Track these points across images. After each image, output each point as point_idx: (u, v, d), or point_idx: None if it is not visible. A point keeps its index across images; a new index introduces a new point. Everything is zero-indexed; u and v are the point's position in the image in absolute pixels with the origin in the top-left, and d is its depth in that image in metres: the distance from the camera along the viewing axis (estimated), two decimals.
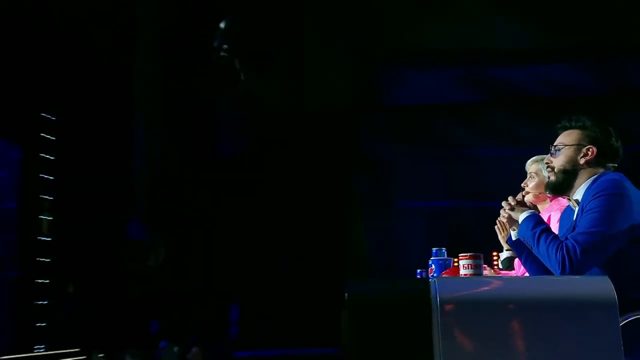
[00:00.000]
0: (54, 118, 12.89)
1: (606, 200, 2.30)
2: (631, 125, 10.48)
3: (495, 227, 3.04)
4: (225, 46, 11.68)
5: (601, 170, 2.54)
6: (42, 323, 12.48)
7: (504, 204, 2.67)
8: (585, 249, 2.22)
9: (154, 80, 12.66)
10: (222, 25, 11.71)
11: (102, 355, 10.37)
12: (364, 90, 12.73)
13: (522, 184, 3.35)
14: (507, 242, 2.91)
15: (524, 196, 2.99)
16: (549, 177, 2.70)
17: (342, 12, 12.62)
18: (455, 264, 2.60)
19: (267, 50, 12.89)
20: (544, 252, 2.37)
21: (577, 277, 2.24)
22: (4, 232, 12.34)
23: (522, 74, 11.85)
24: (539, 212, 2.95)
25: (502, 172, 10.05)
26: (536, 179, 3.24)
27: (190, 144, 12.86)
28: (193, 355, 10.54)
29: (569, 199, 2.68)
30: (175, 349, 10.31)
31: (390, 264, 10.94)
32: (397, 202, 12.04)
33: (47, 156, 12.84)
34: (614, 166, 2.59)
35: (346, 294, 2.06)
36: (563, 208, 3.04)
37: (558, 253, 2.28)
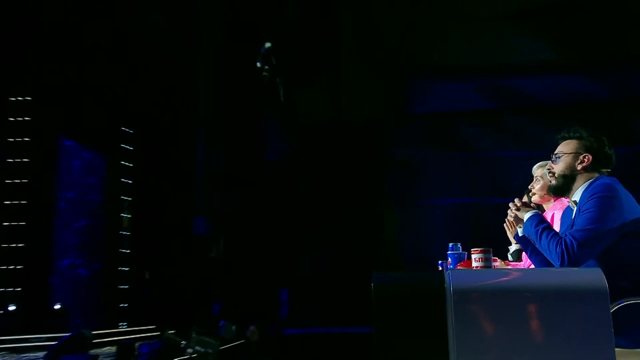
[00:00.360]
0: (132, 131, 14.27)
1: (599, 201, 2.35)
2: (634, 128, 10.85)
3: (504, 224, 3.00)
4: (267, 67, 11.89)
5: (596, 175, 2.54)
6: (124, 304, 13.89)
7: (510, 205, 2.70)
8: (581, 243, 2.27)
9: (214, 99, 13.37)
10: (263, 49, 11.97)
11: (172, 331, 10.16)
12: (394, 101, 12.92)
13: (529, 186, 3.28)
14: (514, 237, 2.93)
15: (529, 198, 3.06)
16: (550, 181, 2.70)
17: (374, 32, 12.97)
18: (470, 257, 2.62)
19: (306, 68, 13.39)
20: (546, 247, 2.42)
21: (573, 269, 2.29)
22: (95, 222, 13.98)
23: (534, 84, 11.83)
24: (544, 211, 3.18)
25: (517, 172, 10.53)
26: (541, 182, 3.18)
27: (244, 152, 13.35)
28: (251, 333, 10.70)
29: (569, 200, 2.69)
30: (233, 327, 10.42)
31: (417, 253, 10.92)
32: (423, 200, 12.15)
33: (127, 163, 14.23)
34: (607, 171, 2.57)
35: (372, 285, 2.15)
36: (565, 207, 2.97)
37: (558, 247, 2.33)
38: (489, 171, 11.81)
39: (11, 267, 12.97)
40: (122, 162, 14.07)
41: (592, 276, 1.94)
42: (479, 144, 12.10)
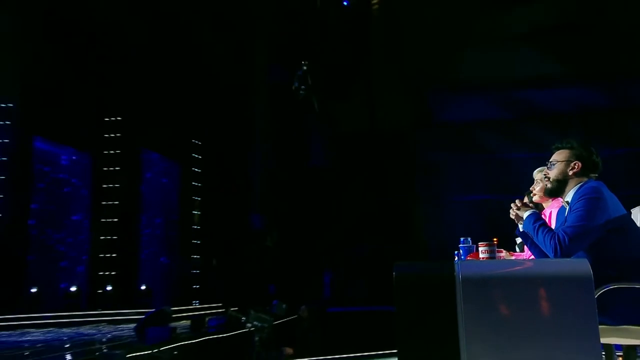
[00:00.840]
0: (200, 143, 15.13)
1: (587, 202, 2.42)
2: (630, 131, 10.97)
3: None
4: (303, 87, 12.45)
5: (585, 179, 2.60)
6: (196, 286, 14.82)
7: (512, 205, 2.75)
8: (571, 238, 2.36)
9: (266, 115, 13.94)
10: (299, 72, 12.58)
11: (234, 309, 10.65)
12: (421, 111, 13.21)
13: (530, 188, 3.28)
14: (516, 232, 2.94)
15: (530, 198, 3.04)
16: (547, 185, 2.76)
17: (402, 52, 13.32)
18: (478, 250, 2.64)
19: (344, 85, 13.87)
20: (542, 241, 2.50)
21: (564, 259, 2.38)
22: (171, 218, 14.96)
23: (542, 95, 12.00)
24: (543, 209, 3.24)
25: (528, 172, 11.07)
26: (540, 184, 3.16)
27: (292, 159, 13.84)
28: (302, 311, 10.95)
29: (562, 200, 2.76)
30: (284, 306, 10.54)
31: (440, 243, 11.04)
32: (447, 197, 12.51)
33: (196, 169, 15.16)
34: (595, 176, 2.64)
35: (394, 273, 2.21)
36: (560, 206, 3.05)
37: (551, 241, 2.42)
38: (503, 171, 11.85)
39: (107, 255, 13.76)
40: (193, 169, 14.78)
41: (580, 266, 2.03)
42: (494, 148, 12.25)
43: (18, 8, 12.68)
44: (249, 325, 8.02)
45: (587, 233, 2.36)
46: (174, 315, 9.91)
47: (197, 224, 14.89)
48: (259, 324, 7.84)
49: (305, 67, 12.72)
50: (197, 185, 14.86)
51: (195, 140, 14.70)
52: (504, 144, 12.16)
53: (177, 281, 14.87)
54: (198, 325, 9.22)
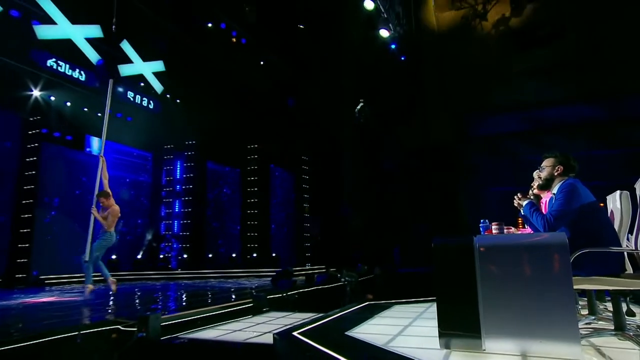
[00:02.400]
0: (307, 159, 15.86)
1: (565, 193, 2.49)
2: (621, 136, 10.96)
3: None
4: (362, 115, 13.13)
5: (565, 177, 2.66)
6: (308, 254, 15.44)
7: (515, 197, 2.83)
8: (555, 218, 2.43)
9: (352, 137, 14.56)
10: (359, 106, 13.21)
11: (333, 269, 11.04)
12: (461, 128, 13.36)
13: (531, 184, 3.16)
14: (519, 215, 2.96)
15: (532, 191, 2.98)
16: (539, 182, 2.84)
17: (445, 86, 13.53)
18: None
19: (406, 112, 14.16)
20: (535, 221, 2.56)
21: (549, 232, 2.40)
22: (290, 210, 15.51)
23: (554, 112, 11.95)
24: (541, 198, 3.06)
25: None
26: (537, 182, 3.03)
27: (370, 167, 14.44)
28: (377, 271, 11.42)
29: (551, 192, 2.76)
30: (365, 267, 11.09)
31: (477, 223, 11.02)
32: (483, 190, 12.56)
33: (305, 177, 15.88)
34: (573, 175, 2.68)
35: (432, 244, 2.40)
36: (549, 196, 3.00)
37: (542, 221, 2.48)
38: (523, 169, 11.83)
39: (251, 234, 14.37)
40: (303, 177, 15.48)
41: (559, 236, 2.12)
42: (516, 153, 12.17)
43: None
44: (342, 279, 8.80)
45: (566, 214, 2.48)
46: (294, 273, 9.97)
47: (307, 213, 15.44)
48: (350, 279, 8.67)
49: (362, 103, 13.18)
50: (305, 188, 15.43)
51: (304, 157, 15.36)
52: (523, 149, 12.01)
53: (295, 251, 15.28)
54: (310, 280, 9.11)
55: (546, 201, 3.15)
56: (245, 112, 14.02)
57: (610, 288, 2.36)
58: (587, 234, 2.44)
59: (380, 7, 10.80)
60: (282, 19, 12.80)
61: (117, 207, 6.47)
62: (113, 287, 6.30)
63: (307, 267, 13.91)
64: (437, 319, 2.36)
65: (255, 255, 14.08)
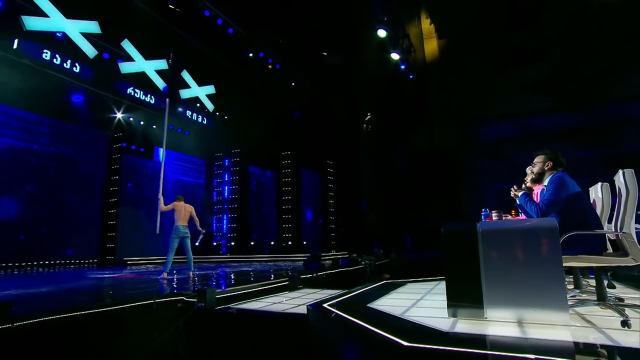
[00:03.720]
0: (331, 162, 15.70)
1: (555, 185, 2.42)
2: (602, 141, 10.50)
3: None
4: (368, 126, 13.23)
5: (555, 171, 2.56)
6: (333, 242, 15.19)
7: (512, 189, 2.74)
8: (547, 205, 2.36)
9: (368, 144, 14.16)
10: (366, 118, 13.25)
11: (355, 255, 10.49)
12: (463, 135, 13.11)
13: (525, 178, 3.07)
14: (515, 205, 2.86)
15: (525, 184, 2.90)
16: (532, 176, 2.77)
17: (449, 99, 13.20)
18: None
19: (416, 121, 13.94)
20: (529, 209, 2.48)
21: (542, 218, 2.34)
22: (317, 206, 15.31)
23: (544, 120, 11.66)
24: (533, 190, 2.92)
25: None
26: (530, 176, 2.94)
27: (384, 168, 14.16)
28: (392, 255, 11.15)
29: (543, 185, 2.66)
30: (382, 252, 11.15)
31: (479, 215, 10.59)
32: (483, 186, 12.26)
33: (330, 177, 15.70)
34: (561, 169, 2.58)
35: (441, 230, 2.40)
36: (540, 187, 2.88)
37: (535, 208, 2.41)
38: (518, 168, 11.59)
39: (286, 225, 14.32)
40: (328, 177, 15.39)
41: (550, 221, 2.09)
42: (511, 154, 11.62)
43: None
44: (362, 262, 8.59)
45: (555, 203, 2.40)
46: (322, 257, 9.73)
47: (332, 208, 15.32)
48: (368, 262, 8.53)
49: (369, 116, 13.28)
50: (330, 187, 15.34)
51: (329, 161, 15.27)
52: (516, 152, 11.21)
53: (322, 239, 15.10)
54: (335, 263, 8.58)
55: (537, 192, 3.04)
56: (280, 125, 14.09)
57: (594, 265, 2.33)
58: (574, 219, 2.37)
59: (391, 34, 10.71)
60: (309, 48, 12.81)
61: (181, 206, 6.48)
62: (162, 275, 6.30)
63: (333, 253, 13.80)
64: (446, 293, 2.34)
65: (290, 243, 14.05)
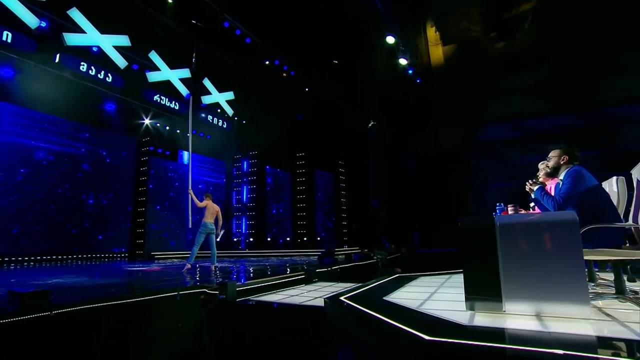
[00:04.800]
0: (343, 163, 15.52)
1: (572, 178, 2.28)
2: (595, 141, 10.23)
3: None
4: (373, 133, 13.25)
5: (571, 165, 2.43)
6: (345, 238, 14.96)
7: (527, 183, 2.62)
8: (564, 199, 2.23)
9: (377, 146, 14.15)
10: (370, 125, 13.31)
11: (366, 250, 10.94)
12: (468, 136, 12.92)
13: (537, 173, 3.08)
14: (529, 199, 2.78)
15: (538, 179, 2.85)
16: (547, 170, 2.67)
17: (453, 102, 13.03)
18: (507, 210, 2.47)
19: (421, 124, 13.66)
20: (546, 202, 2.35)
21: (561, 211, 2.23)
22: (331, 205, 15.07)
23: (541, 122, 11.42)
24: (545, 185, 2.76)
25: (537, 167, 10.50)
26: (543, 171, 3.02)
27: (392, 168, 14.10)
28: (403, 250, 11.16)
29: (558, 179, 2.55)
30: (392, 246, 11.13)
31: (482, 211, 10.40)
32: (484, 185, 12.20)
33: (342, 177, 15.51)
34: (577, 163, 2.46)
35: (459, 224, 2.25)
36: (553, 183, 2.91)
37: (552, 202, 2.28)
38: (518, 168, 10.75)
39: (300, 223, 13.97)
40: (340, 177, 15.22)
41: (571, 214, 1.97)
42: (512, 155, 11.76)
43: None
44: (374, 257, 8.53)
45: (573, 196, 2.28)
46: (336, 252, 9.68)
47: (344, 205, 15.20)
48: (380, 257, 8.55)
49: (373, 123, 13.37)
50: (342, 186, 15.21)
51: (341, 161, 15.12)
52: (515, 152, 11.65)
53: (335, 235, 14.94)
54: (348, 258, 8.83)
55: (551, 187, 2.92)
56: (294, 128, 14.03)
57: (614, 258, 2.19)
58: (592, 212, 2.22)
59: (399, 41, 10.54)
60: (321, 55, 12.65)
61: (211, 205, 6.47)
62: (186, 267, 6.34)
63: (345, 249, 13.46)
64: (464, 286, 2.19)
65: (305, 239, 13.91)
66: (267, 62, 12.17)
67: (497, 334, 1.75)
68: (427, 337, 1.67)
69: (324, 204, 15.43)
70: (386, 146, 14.31)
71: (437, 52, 13.90)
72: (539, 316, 1.97)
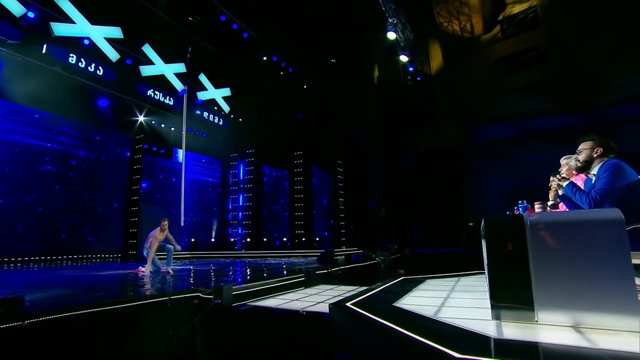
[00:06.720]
0: (341, 162, 15.22)
1: (611, 172, 2.11)
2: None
3: (552, 189, 2.59)
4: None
5: (606, 158, 2.26)
6: (344, 238, 14.59)
7: (554, 178, 2.46)
8: (602, 195, 2.05)
9: (376, 145, 14.13)
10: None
11: (366, 250, 10.90)
12: (467, 135, 12.97)
13: (559, 169, 2.86)
14: (556, 196, 2.58)
15: (560, 175, 2.56)
16: (577, 165, 2.41)
17: (453, 101, 13.11)
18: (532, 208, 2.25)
19: (424, 123, 13.76)
20: (579, 199, 2.16)
21: (604, 208, 1.99)
22: (329, 204, 14.78)
23: (540, 121, 11.37)
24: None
25: (534, 167, 10.25)
26: (566, 167, 2.83)
27: (391, 167, 14.13)
28: (406, 250, 11.11)
29: (588, 174, 2.37)
30: (395, 247, 11.06)
31: (481, 210, 9.76)
32: (483, 185, 12.21)
33: (340, 177, 15.24)
34: (613, 156, 2.29)
35: (484, 222, 2.06)
36: (578, 179, 2.68)
37: (587, 199, 2.09)
38: (517, 168, 11.49)
39: (298, 223, 13.76)
40: (338, 176, 14.94)
41: (614, 212, 1.79)
42: (511, 154, 11.87)
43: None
44: (377, 258, 8.33)
45: (612, 192, 2.09)
46: (335, 253, 9.56)
47: (342, 205, 15.01)
48: (383, 258, 8.33)
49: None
50: (340, 185, 15.02)
51: (339, 160, 14.93)
52: (516, 152, 11.73)
53: (333, 235, 14.63)
54: (348, 259, 8.66)
55: (581, 183, 2.66)
56: (292, 126, 13.83)
57: None
58: (634, 211, 1.98)
59: (400, 37, 10.38)
60: (320, 52, 12.51)
61: (161, 235, 6.22)
62: (140, 269, 6.18)
63: (343, 249, 13.18)
64: (489, 292, 1.95)
65: (303, 239, 13.68)
66: (264, 58, 11.97)
67: (535, 349, 1.51)
68: (457, 355, 1.42)
69: (322, 203, 15.20)
70: (385, 145, 14.21)
71: (437, 51, 13.86)
72: (577, 328, 1.73)
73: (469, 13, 12.87)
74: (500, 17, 12.76)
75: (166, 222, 6.13)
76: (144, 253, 6.04)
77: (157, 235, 6.03)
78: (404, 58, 11.29)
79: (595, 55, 10.42)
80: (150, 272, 5.91)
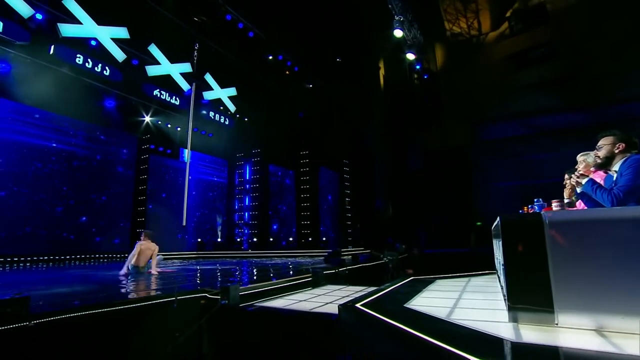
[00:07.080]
0: (347, 162, 15.34)
1: (634, 168, 2.00)
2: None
3: (568, 187, 2.51)
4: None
5: (628, 154, 2.16)
6: (350, 238, 14.81)
7: (573, 176, 2.34)
8: (625, 192, 1.95)
9: (382, 144, 13.98)
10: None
11: (373, 250, 10.90)
12: (472, 135, 12.93)
13: (575, 167, 2.74)
14: (575, 194, 2.48)
15: (577, 173, 2.36)
16: (596, 161, 2.28)
17: (459, 100, 13.03)
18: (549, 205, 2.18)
19: (429, 123, 13.68)
20: (600, 196, 2.05)
21: (627, 206, 1.86)
22: (335, 202, 14.87)
23: (547, 119, 11.21)
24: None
25: (540, 166, 10.15)
26: (583, 164, 2.71)
27: (397, 166, 14.03)
28: (414, 250, 11.14)
29: (608, 171, 2.27)
30: (403, 246, 10.96)
31: (487, 210, 9.77)
32: (490, 184, 12.13)
33: (346, 176, 15.41)
34: (636, 151, 2.20)
35: (500, 221, 1.97)
36: (596, 176, 2.53)
37: (609, 196, 1.98)
38: (524, 166, 11.38)
39: (305, 222, 13.93)
40: (345, 176, 14.99)
41: None
42: (518, 153, 11.75)
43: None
44: (385, 258, 8.18)
45: (636, 189, 1.97)
46: (342, 253, 9.21)
47: (348, 204, 15.01)
48: (390, 257, 8.16)
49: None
50: (347, 185, 15.03)
51: (345, 160, 14.95)
52: (522, 150, 11.60)
53: (340, 235, 14.70)
54: (355, 258, 8.50)
55: (601, 181, 2.52)
56: (299, 125, 13.80)
57: None
58: None
59: (407, 34, 10.29)
60: (326, 51, 12.44)
61: (146, 247, 6.01)
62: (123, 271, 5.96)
63: (350, 249, 13.21)
64: (507, 293, 1.89)
65: (309, 239, 13.63)
66: (270, 57, 11.95)
67: (556, 354, 1.44)
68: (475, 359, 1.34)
69: (329, 203, 15.17)
70: (391, 144, 14.14)
71: (444, 49, 13.79)
72: (600, 331, 1.65)
73: (476, 10, 12.77)
74: (508, 14, 12.59)
75: (146, 235, 5.86)
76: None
77: (141, 244, 5.80)
78: (410, 56, 11.23)
79: (605, 51, 10.29)
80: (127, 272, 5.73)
